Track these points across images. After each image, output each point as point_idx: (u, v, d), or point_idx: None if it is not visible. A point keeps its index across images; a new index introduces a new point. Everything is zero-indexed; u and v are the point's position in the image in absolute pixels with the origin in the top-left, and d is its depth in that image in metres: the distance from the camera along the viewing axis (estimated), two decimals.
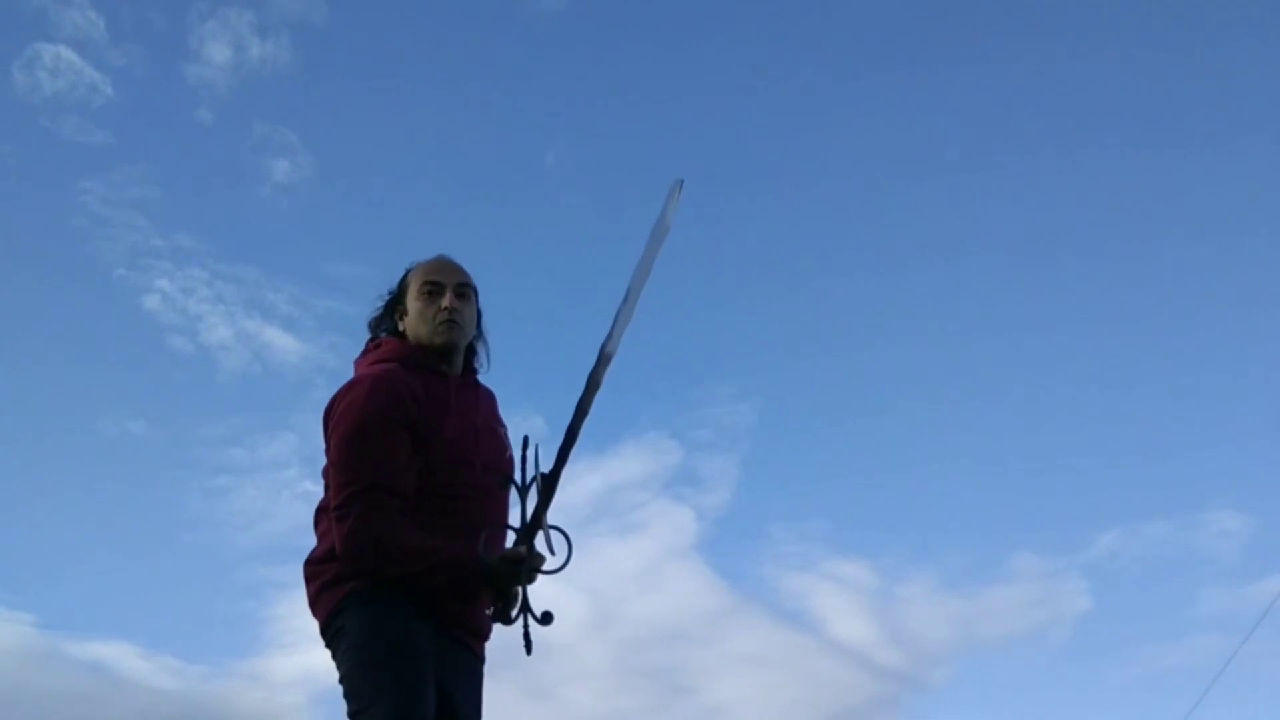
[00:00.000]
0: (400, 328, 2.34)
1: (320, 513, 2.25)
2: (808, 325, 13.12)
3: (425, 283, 2.30)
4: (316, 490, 2.33)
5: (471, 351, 2.37)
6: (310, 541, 2.33)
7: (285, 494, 11.51)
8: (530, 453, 2.17)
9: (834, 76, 12.86)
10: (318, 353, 11.55)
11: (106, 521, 11.85)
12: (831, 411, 13.09)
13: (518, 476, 2.18)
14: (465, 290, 2.32)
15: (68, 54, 10.55)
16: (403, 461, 2.13)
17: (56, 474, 11.75)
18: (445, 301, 2.27)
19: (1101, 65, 12.56)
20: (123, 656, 10.74)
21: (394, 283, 2.39)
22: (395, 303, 2.37)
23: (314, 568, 2.22)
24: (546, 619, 2.13)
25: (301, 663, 10.42)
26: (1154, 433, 12.91)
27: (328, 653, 2.44)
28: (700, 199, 12.88)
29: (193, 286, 11.35)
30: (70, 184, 11.25)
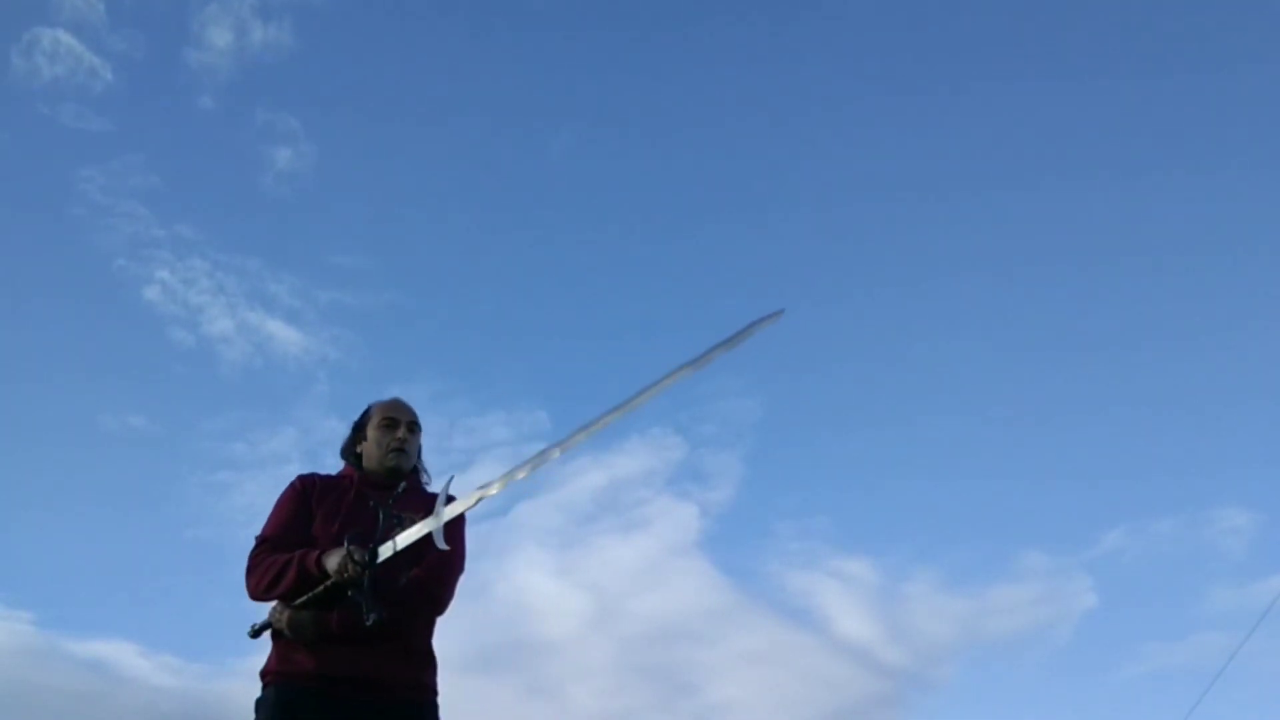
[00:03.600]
0: (358, 450, 2.92)
1: None
2: (814, 319, 13.07)
3: (384, 418, 2.90)
4: None
5: (415, 470, 2.94)
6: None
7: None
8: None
9: (853, 80, 12.82)
10: (320, 345, 11.49)
11: (106, 518, 11.79)
12: (837, 407, 13.06)
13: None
14: (414, 426, 2.93)
15: (67, 38, 10.46)
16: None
17: (56, 469, 11.69)
18: (399, 433, 2.88)
19: (1105, 85, 12.53)
20: (122, 654, 10.68)
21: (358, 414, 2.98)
22: (358, 430, 2.95)
23: None
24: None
25: None
26: (1162, 430, 12.86)
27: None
28: (706, 194, 12.83)
29: (193, 277, 11.29)
30: (69, 172, 11.18)
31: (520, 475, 2.55)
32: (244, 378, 11.59)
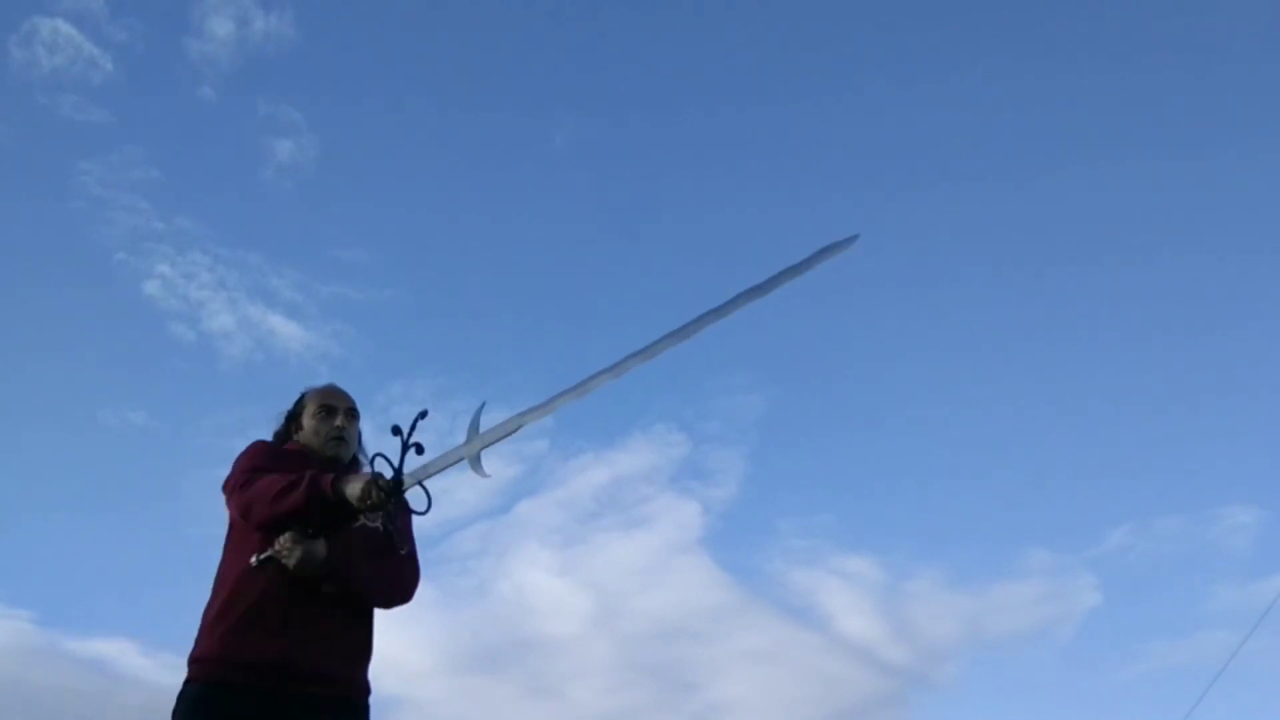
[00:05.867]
0: (295, 439, 2.77)
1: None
2: (819, 314, 13.02)
3: (321, 406, 2.77)
4: None
5: (354, 460, 2.79)
6: None
7: None
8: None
9: (854, 75, 12.76)
10: (321, 340, 11.44)
11: (106, 515, 11.73)
12: (841, 404, 13.01)
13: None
14: (352, 413, 2.80)
15: (66, 28, 10.39)
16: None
17: (55, 466, 11.63)
18: (338, 421, 2.74)
19: (1101, 78, 12.47)
20: (123, 653, 10.63)
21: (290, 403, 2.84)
22: (292, 419, 2.81)
23: None
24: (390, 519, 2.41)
25: None
26: (1167, 427, 12.82)
27: None
28: (709, 187, 12.77)
29: (194, 272, 11.24)
30: (68, 164, 11.11)
31: (561, 403, 2.47)
32: (245, 373, 11.53)
